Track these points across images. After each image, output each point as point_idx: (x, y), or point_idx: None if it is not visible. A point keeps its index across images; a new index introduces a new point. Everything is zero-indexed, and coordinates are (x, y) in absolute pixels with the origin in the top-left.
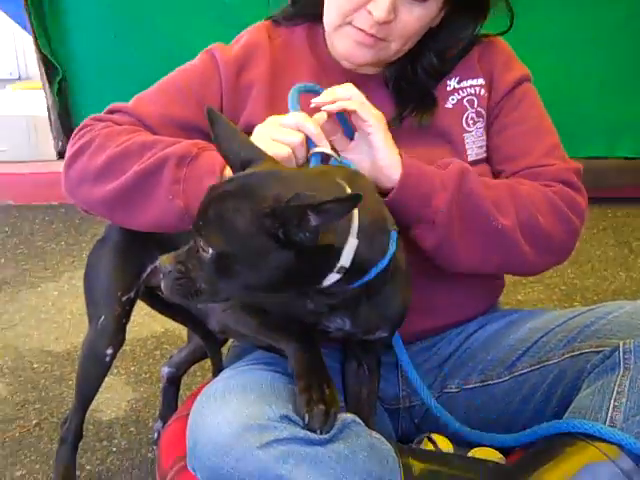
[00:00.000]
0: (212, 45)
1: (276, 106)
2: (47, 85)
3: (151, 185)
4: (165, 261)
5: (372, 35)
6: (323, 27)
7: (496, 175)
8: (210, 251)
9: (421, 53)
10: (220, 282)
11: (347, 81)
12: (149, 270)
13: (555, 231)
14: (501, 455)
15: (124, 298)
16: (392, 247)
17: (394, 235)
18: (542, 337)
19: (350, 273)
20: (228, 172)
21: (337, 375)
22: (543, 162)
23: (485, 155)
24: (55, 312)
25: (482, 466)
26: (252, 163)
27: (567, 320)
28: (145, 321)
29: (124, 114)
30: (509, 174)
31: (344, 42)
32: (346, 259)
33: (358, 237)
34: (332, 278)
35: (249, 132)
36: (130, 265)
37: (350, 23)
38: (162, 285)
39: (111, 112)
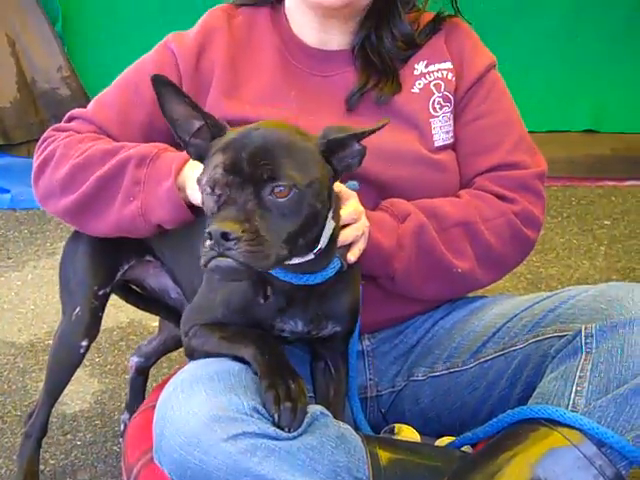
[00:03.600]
0: (168, 36)
1: (238, 91)
2: None
3: (112, 190)
4: (227, 226)
5: None
6: (284, 8)
7: (462, 166)
8: (292, 192)
9: (390, 17)
10: (285, 230)
11: (310, 59)
12: (126, 267)
13: (511, 254)
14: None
15: (100, 292)
16: (337, 262)
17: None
18: (507, 323)
19: (318, 259)
20: (185, 173)
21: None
22: (510, 159)
23: (452, 141)
24: (18, 302)
25: (449, 455)
26: (225, 129)
27: (532, 305)
28: (110, 312)
29: (84, 121)
30: (477, 173)
31: None
32: (324, 240)
33: (333, 219)
34: (309, 256)
35: None
36: (108, 259)
37: None
38: (225, 261)
39: (71, 119)
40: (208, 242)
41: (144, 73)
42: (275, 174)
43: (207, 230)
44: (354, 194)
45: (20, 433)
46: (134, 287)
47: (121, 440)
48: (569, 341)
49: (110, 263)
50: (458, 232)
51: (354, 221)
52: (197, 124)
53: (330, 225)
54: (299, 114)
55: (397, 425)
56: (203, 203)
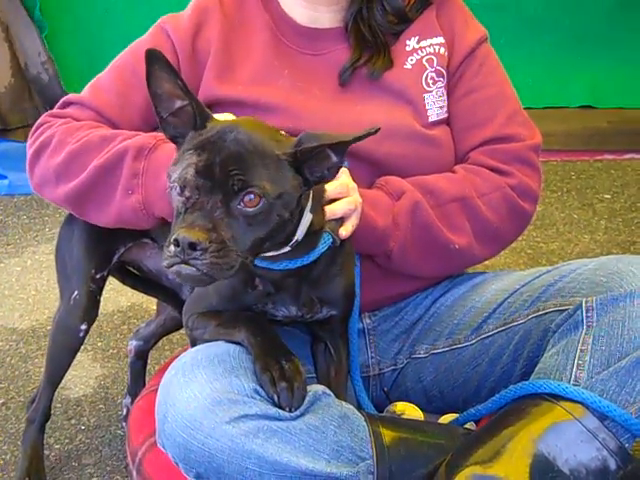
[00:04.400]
0: (162, 18)
1: (227, 77)
2: None
3: (110, 181)
4: (195, 235)
5: None
6: None
7: (456, 141)
8: (261, 203)
9: None
10: (250, 239)
11: (302, 38)
12: (123, 250)
13: (508, 228)
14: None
15: (98, 275)
16: (328, 238)
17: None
18: (507, 298)
19: (297, 249)
20: None
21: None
22: (504, 132)
23: (446, 115)
24: (19, 288)
25: (452, 432)
26: (209, 118)
27: (532, 280)
28: (111, 296)
29: (81, 107)
30: (471, 147)
31: None
32: (301, 232)
33: (311, 212)
34: (286, 249)
35: (207, 103)
36: (104, 243)
37: None
38: (188, 269)
39: (66, 104)
40: (172, 248)
41: (141, 56)
42: (246, 184)
43: (174, 236)
44: (345, 171)
45: (24, 419)
46: (131, 269)
47: (124, 424)
48: (570, 315)
49: (106, 246)
50: (454, 208)
51: (342, 195)
52: (179, 103)
53: (307, 217)
54: (291, 92)
55: (400, 403)
56: (171, 198)
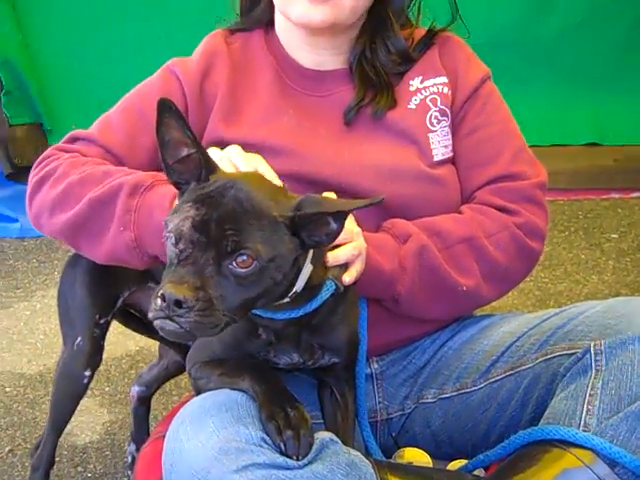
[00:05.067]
0: (170, 61)
1: (234, 120)
2: None
3: (104, 215)
4: (181, 292)
5: None
6: (276, 32)
7: (462, 181)
8: (253, 265)
9: (382, 30)
10: (239, 299)
11: (306, 81)
12: (127, 294)
13: (517, 268)
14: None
15: (102, 321)
16: (331, 285)
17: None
18: (515, 341)
19: (297, 299)
20: None
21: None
22: (510, 170)
23: (451, 155)
24: (27, 333)
25: (461, 479)
26: (214, 170)
27: (540, 323)
28: (119, 340)
29: (90, 143)
30: (477, 186)
31: (297, 7)
32: (300, 284)
33: (312, 263)
34: (285, 300)
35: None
36: (108, 287)
37: None
38: (171, 325)
39: (74, 140)
40: (159, 302)
41: (149, 99)
42: (239, 245)
43: (160, 291)
44: (349, 216)
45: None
46: (134, 312)
47: (130, 472)
48: (578, 359)
49: (111, 290)
50: (462, 249)
51: (346, 240)
52: (185, 151)
53: (308, 269)
54: (297, 131)
55: (408, 449)
56: (167, 247)
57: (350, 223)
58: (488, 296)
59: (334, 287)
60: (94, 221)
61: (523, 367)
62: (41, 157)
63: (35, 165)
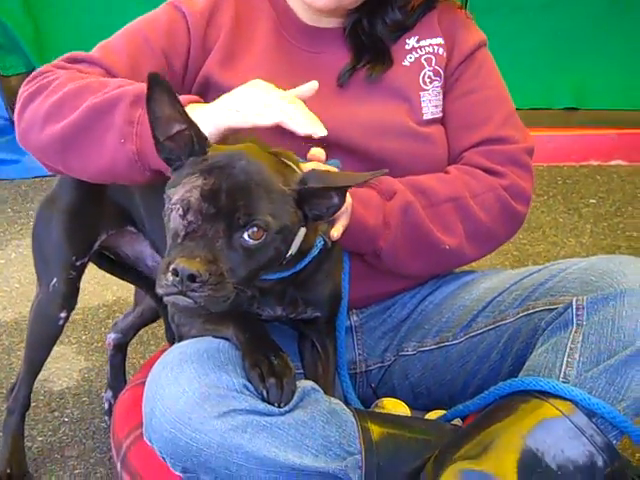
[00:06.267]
0: None
1: (229, 65)
2: None
3: (102, 125)
4: (195, 267)
5: None
6: None
7: (450, 140)
8: (264, 236)
9: (382, 7)
10: (246, 270)
11: (303, 36)
12: (104, 236)
13: (501, 229)
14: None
15: (78, 262)
16: (319, 242)
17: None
18: (497, 297)
19: (289, 261)
20: None
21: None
22: (500, 134)
23: (441, 115)
24: (2, 281)
25: (440, 428)
26: (203, 147)
27: (521, 279)
28: (96, 290)
29: (90, 64)
30: (466, 147)
31: None
32: (294, 248)
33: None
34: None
35: (206, 86)
36: (85, 228)
37: None
38: (186, 301)
39: (73, 61)
40: (171, 277)
41: (155, 27)
42: (251, 217)
43: (172, 266)
44: (336, 170)
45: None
46: (107, 254)
47: (107, 418)
48: (560, 314)
49: (88, 232)
50: (447, 208)
51: None
52: (177, 127)
53: (301, 232)
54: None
55: (387, 399)
56: (168, 219)
57: None
58: (470, 255)
59: (322, 243)
60: (90, 131)
61: (504, 322)
62: (37, 71)
63: (27, 80)
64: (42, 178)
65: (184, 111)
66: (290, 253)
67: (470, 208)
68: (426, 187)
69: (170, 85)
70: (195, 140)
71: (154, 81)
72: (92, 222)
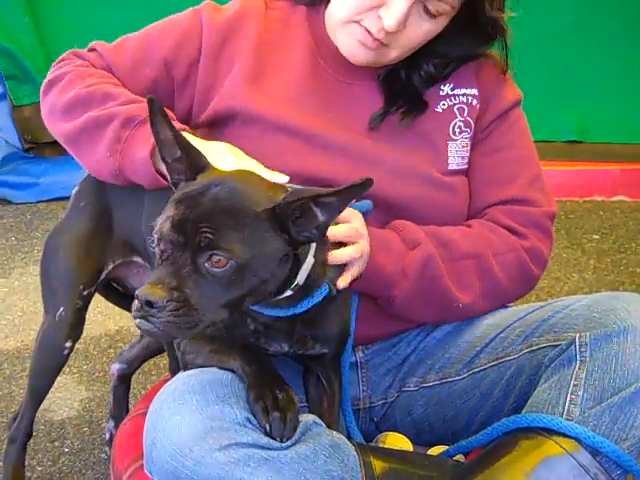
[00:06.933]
0: (204, 3)
1: (260, 82)
2: None
3: (96, 136)
4: (153, 293)
5: (377, 40)
6: (324, 10)
7: (474, 194)
8: (229, 264)
9: (418, 62)
10: (224, 298)
11: (341, 65)
12: (111, 266)
13: (516, 290)
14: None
15: (85, 292)
16: (325, 288)
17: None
18: (500, 333)
19: (299, 292)
20: None
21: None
22: (525, 195)
23: (466, 167)
24: (5, 309)
25: (442, 464)
26: (204, 169)
27: (524, 315)
28: (98, 319)
29: (100, 57)
30: (490, 204)
31: (348, 40)
32: (302, 276)
33: (315, 257)
34: (287, 293)
35: (228, 112)
36: (93, 258)
37: (359, 22)
38: (148, 325)
39: (91, 50)
40: (136, 302)
41: (167, 35)
42: (212, 244)
43: (137, 292)
44: (358, 215)
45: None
46: (116, 285)
47: (107, 448)
48: (563, 350)
49: (96, 262)
50: (467, 264)
51: (350, 239)
52: (180, 151)
53: (310, 261)
54: (318, 117)
55: (389, 434)
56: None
57: (358, 222)
58: (480, 310)
59: (327, 290)
60: (88, 138)
61: (507, 358)
62: (61, 57)
63: (54, 64)
64: (47, 204)
65: (179, 137)
66: (297, 282)
67: (491, 267)
68: (448, 240)
69: (165, 112)
70: (188, 166)
71: (153, 106)
72: (100, 252)
